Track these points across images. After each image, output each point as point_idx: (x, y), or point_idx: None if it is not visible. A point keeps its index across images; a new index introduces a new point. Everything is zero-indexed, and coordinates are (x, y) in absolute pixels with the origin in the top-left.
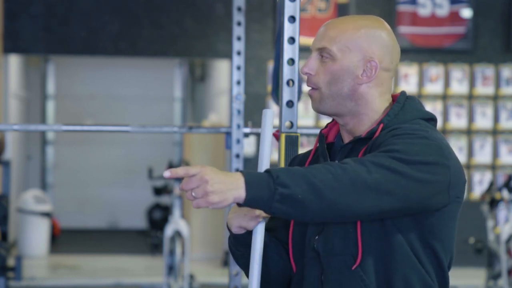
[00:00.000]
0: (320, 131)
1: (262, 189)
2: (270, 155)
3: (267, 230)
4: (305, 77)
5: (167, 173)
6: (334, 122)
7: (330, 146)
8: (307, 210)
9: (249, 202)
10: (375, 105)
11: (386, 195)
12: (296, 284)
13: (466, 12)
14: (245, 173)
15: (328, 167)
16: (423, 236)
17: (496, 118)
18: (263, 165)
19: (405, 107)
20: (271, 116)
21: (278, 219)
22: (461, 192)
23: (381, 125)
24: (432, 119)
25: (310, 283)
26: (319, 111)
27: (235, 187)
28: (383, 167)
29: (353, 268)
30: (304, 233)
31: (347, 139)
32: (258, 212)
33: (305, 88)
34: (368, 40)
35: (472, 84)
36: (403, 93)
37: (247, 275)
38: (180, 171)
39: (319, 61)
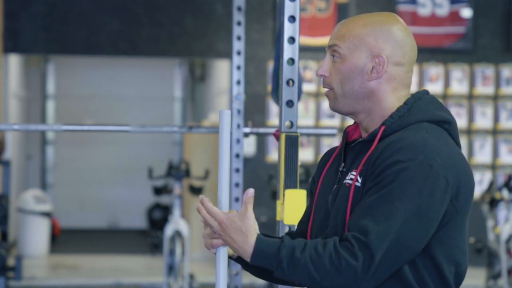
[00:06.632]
0: (345, 128)
1: (266, 262)
2: (230, 156)
3: (302, 235)
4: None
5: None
6: None
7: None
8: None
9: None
10: (387, 101)
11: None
12: None
13: (466, 12)
14: (258, 240)
15: (336, 261)
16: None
17: (496, 118)
18: (223, 167)
19: (412, 109)
20: (228, 117)
21: (303, 223)
22: (467, 201)
23: (382, 128)
24: (443, 121)
25: None
26: (335, 110)
27: (242, 250)
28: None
29: None
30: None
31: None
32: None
33: (305, 88)
34: (375, 36)
35: (472, 84)
36: (418, 93)
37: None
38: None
39: (331, 62)
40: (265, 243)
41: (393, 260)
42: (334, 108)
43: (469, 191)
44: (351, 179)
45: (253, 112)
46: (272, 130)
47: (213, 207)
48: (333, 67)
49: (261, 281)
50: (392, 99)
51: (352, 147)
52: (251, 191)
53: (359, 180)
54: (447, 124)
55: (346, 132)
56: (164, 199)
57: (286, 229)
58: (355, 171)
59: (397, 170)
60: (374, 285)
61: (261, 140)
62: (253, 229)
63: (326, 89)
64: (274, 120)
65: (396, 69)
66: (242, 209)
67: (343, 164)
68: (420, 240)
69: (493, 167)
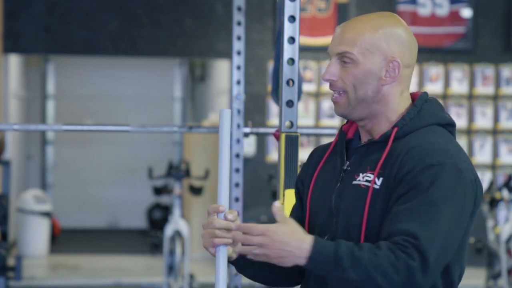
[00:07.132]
0: (341, 127)
1: (322, 266)
2: (230, 156)
3: None
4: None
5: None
6: None
7: (349, 141)
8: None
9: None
10: (394, 104)
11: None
12: (306, 278)
13: (466, 12)
14: (314, 244)
15: (394, 261)
16: None
17: (496, 118)
18: (224, 167)
19: (421, 112)
20: (228, 116)
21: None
22: (479, 203)
23: (395, 129)
24: (449, 124)
25: (317, 282)
26: (346, 116)
27: (299, 250)
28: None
29: None
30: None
31: (364, 138)
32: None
33: (305, 88)
34: (387, 40)
35: (472, 84)
36: (423, 95)
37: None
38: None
39: (340, 66)
40: (322, 242)
41: (442, 261)
42: (344, 114)
43: (481, 194)
44: (367, 180)
45: (253, 112)
46: (272, 130)
47: (244, 224)
48: (343, 71)
49: None
50: (399, 101)
51: (358, 147)
52: (278, 203)
53: (377, 182)
54: (452, 127)
55: (343, 131)
56: (164, 199)
57: None
58: (371, 173)
59: (432, 174)
60: (426, 287)
61: (261, 140)
62: (302, 229)
63: (335, 95)
64: (274, 120)
65: (406, 71)
66: (280, 218)
67: (347, 163)
68: (458, 242)
69: (493, 167)
